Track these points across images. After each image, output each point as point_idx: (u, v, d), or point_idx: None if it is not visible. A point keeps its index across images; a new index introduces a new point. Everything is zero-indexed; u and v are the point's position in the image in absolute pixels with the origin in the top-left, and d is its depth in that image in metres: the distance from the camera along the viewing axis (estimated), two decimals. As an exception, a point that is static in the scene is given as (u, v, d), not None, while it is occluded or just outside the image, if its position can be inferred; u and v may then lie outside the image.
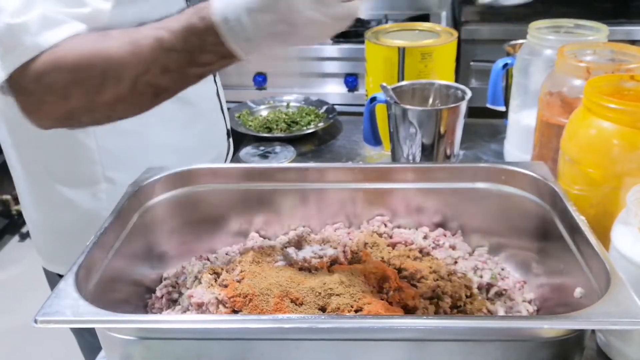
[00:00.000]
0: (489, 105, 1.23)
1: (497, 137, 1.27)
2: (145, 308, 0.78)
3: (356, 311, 0.68)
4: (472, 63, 1.93)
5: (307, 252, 0.81)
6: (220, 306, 0.71)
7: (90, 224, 0.79)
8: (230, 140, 1.20)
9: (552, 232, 0.76)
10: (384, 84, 1.06)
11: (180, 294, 0.79)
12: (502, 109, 1.22)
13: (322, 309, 0.69)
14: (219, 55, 0.64)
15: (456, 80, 1.17)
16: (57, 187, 0.97)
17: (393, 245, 0.85)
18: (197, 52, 0.64)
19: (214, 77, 1.11)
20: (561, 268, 0.73)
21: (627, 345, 0.67)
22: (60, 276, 0.70)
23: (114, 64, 0.65)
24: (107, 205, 0.94)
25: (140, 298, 0.79)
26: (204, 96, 1.08)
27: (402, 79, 1.16)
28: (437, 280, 0.77)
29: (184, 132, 1.03)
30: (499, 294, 0.78)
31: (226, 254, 0.87)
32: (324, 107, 1.47)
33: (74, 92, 0.66)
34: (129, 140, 0.96)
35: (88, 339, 1.09)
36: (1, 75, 0.66)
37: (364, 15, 0.66)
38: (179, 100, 0.99)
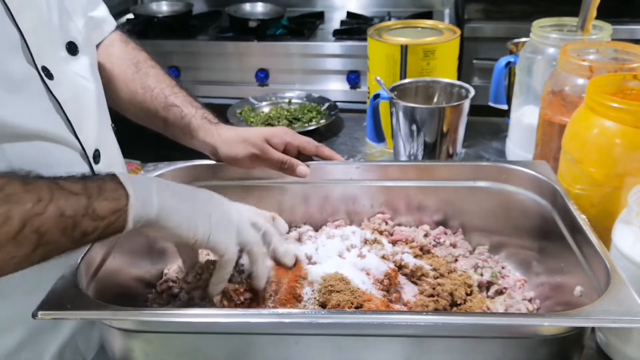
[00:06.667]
0: (491, 104, 1.23)
1: (499, 135, 1.27)
2: (145, 303, 0.78)
3: (356, 308, 0.68)
4: (474, 61, 1.92)
5: (308, 249, 0.81)
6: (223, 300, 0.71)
7: None
8: None
9: (553, 231, 0.76)
10: (378, 78, 1.05)
11: (181, 289, 0.79)
12: (505, 107, 1.22)
13: (323, 306, 0.69)
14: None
15: (459, 78, 1.17)
16: None
17: (394, 243, 0.85)
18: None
19: None
20: (562, 267, 0.73)
21: (626, 344, 0.67)
22: None
23: None
24: None
25: (141, 294, 0.79)
26: None
27: (405, 77, 1.16)
28: (438, 277, 0.77)
29: None
30: (499, 292, 0.78)
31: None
32: (326, 104, 1.47)
33: None
34: None
35: None
36: None
37: None
38: None
